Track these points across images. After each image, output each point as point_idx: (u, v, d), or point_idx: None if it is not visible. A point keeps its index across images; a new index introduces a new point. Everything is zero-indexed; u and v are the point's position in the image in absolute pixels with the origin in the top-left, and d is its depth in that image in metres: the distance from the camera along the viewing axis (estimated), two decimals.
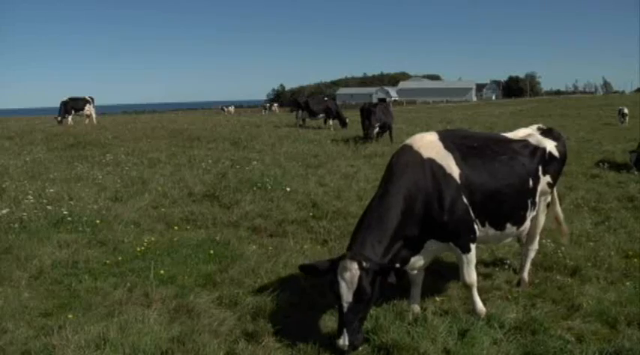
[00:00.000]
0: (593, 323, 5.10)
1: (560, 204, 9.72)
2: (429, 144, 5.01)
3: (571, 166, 14.34)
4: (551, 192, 6.05)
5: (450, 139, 5.12)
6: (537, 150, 5.66)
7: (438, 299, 5.64)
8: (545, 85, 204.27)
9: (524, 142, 5.68)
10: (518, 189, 5.36)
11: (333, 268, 4.39)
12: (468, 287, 5.24)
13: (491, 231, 5.32)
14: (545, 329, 4.93)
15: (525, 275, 6.13)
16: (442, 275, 6.29)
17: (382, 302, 5.53)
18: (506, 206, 5.30)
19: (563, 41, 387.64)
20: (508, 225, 5.41)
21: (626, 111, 31.43)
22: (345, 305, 4.29)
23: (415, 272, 5.23)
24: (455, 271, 6.53)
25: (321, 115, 29.02)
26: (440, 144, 5.01)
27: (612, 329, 5.01)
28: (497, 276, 6.34)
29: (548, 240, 7.28)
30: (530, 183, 5.49)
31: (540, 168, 5.64)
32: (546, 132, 6.05)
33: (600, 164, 14.29)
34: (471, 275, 5.12)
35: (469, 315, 5.21)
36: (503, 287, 6.02)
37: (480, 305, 5.22)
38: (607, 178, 12.56)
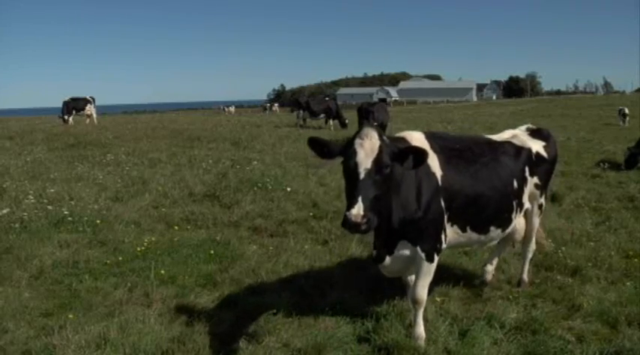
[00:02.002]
0: (594, 324, 5.09)
1: (561, 204, 9.79)
2: (418, 142, 4.78)
3: (571, 166, 14.37)
4: (544, 194, 5.96)
5: (434, 140, 4.97)
6: (522, 151, 5.56)
7: (438, 299, 5.63)
8: (546, 85, 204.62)
9: (506, 143, 5.57)
10: (502, 192, 5.23)
11: (349, 144, 4.11)
12: (415, 304, 4.78)
13: (474, 236, 5.18)
14: (546, 329, 4.93)
15: (525, 275, 6.12)
16: (442, 275, 6.28)
17: (382, 303, 5.55)
18: (490, 209, 5.16)
19: (563, 41, 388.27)
20: (492, 228, 5.28)
21: (626, 111, 31.41)
22: (363, 172, 3.91)
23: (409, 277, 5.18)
24: (455, 271, 6.56)
25: (322, 115, 29.11)
26: (427, 144, 4.83)
27: (613, 329, 5.00)
28: (498, 276, 6.33)
29: (549, 240, 7.28)
30: (515, 184, 5.37)
31: (527, 169, 5.55)
32: (535, 133, 5.97)
33: (601, 164, 14.28)
34: (424, 291, 4.73)
35: (469, 315, 5.21)
36: (503, 288, 6.02)
37: (421, 328, 4.78)
38: (607, 178, 12.56)
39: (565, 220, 8.56)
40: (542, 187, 5.79)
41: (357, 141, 4.04)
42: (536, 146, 5.74)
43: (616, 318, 5.11)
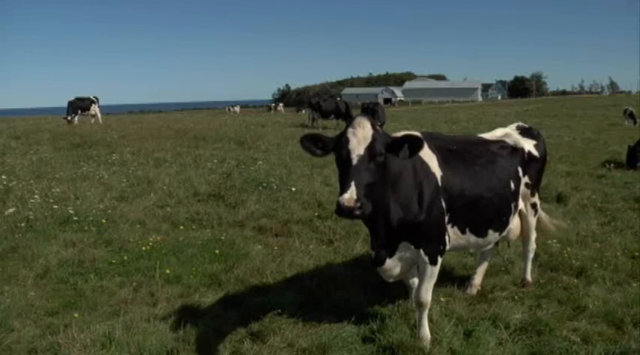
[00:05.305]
0: (599, 324, 5.07)
1: (566, 205, 9.76)
2: None
3: (577, 166, 14.34)
4: (536, 193, 5.89)
5: (431, 141, 4.86)
6: (516, 151, 5.52)
7: (443, 299, 5.63)
8: (552, 85, 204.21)
9: (501, 143, 5.51)
10: (500, 194, 5.17)
11: (342, 134, 4.05)
12: (420, 307, 4.76)
13: (473, 238, 5.11)
14: (551, 329, 4.91)
15: (528, 276, 6.12)
16: (446, 274, 6.28)
17: (387, 303, 5.55)
18: (489, 211, 5.10)
19: (569, 41, 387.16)
20: (490, 231, 5.22)
21: (633, 111, 31.25)
22: (355, 158, 3.85)
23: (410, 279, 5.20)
24: (459, 271, 6.55)
25: (332, 116, 29.39)
26: (425, 144, 4.66)
27: (618, 330, 4.98)
28: (502, 277, 6.32)
29: (554, 241, 7.26)
30: (512, 186, 5.33)
31: (520, 169, 5.51)
32: (525, 131, 5.91)
33: (606, 164, 14.27)
34: (428, 293, 4.72)
35: (474, 316, 5.20)
36: (508, 288, 6.00)
37: (426, 330, 4.78)
38: (613, 179, 12.50)
39: (570, 220, 8.52)
40: (533, 186, 5.75)
41: (350, 130, 4.00)
42: (528, 145, 5.71)
43: (622, 319, 5.09)
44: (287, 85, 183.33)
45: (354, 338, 4.84)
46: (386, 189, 4.26)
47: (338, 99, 33.67)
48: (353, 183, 3.75)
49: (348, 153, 3.90)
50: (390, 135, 4.19)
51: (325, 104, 29.97)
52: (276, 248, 7.38)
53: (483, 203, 5.02)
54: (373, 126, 4.03)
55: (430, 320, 4.90)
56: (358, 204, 3.69)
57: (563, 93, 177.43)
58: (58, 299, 5.84)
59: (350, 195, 3.69)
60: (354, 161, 3.86)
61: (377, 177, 3.94)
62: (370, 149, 3.90)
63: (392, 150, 4.06)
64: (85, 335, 4.70)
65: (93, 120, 30.59)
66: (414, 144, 4.06)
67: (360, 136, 3.94)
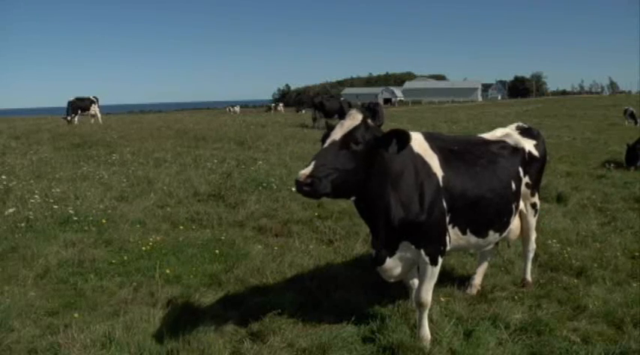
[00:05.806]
0: (599, 324, 5.08)
1: (566, 205, 9.77)
2: (417, 141, 4.71)
3: (577, 166, 14.36)
4: (536, 193, 5.87)
5: (432, 141, 4.87)
6: (517, 151, 5.50)
7: (443, 299, 5.63)
8: (552, 85, 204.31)
9: (502, 143, 5.49)
10: (501, 194, 5.14)
11: None
12: (420, 307, 4.77)
13: (473, 239, 5.10)
14: (551, 329, 4.91)
15: (528, 276, 6.12)
16: (446, 274, 6.28)
17: (387, 303, 5.55)
18: (490, 212, 5.08)
19: (569, 41, 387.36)
20: (491, 232, 5.21)
21: (634, 111, 31.21)
22: (328, 142, 3.99)
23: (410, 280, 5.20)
24: (459, 271, 6.55)
25: (336, 115, 29.46)
26: (426, 144, 4.77)
27: (618, 330, 4.99)
28: (502, 277, 6.32)
29: (554, 241, 7.26)
30: (513, 186, 5.31)
31: (521, 169, 5.49)
32: (525, 131, 5.90)
33: (606, 164, 14.28)
34: (428, 294, 4.73)
35: (474, 316, 5.20)
36: (508, 288, 6.00)
37: (426, 330, 4.78)
38: (613, 179, 12.51)
39: (570, 221, 8.53)
40: (533, 187, 5.74)
41: (341, 121, 4.14)
42: (528, 145, 5.69)
43: (622, 319, 5.10)
44: (287, 85, 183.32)
45: (354, 338, 4.83)
46: (386, 188, 4.30)
47: (342, 99, 33.83)
48: (314, 163, 3.85)
49: (325, 138, 4.06)
50: (381, 131, 4.22)
51: (329, 104, 30.01)
52: (276, 248, 7.37)
53: (484, 203, 5.00)
54: (364, 119, 4.11)
55: (430, 320, 4.90)
56: (309, 180, 3.74)
57: (563, 93, 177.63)
58: (58, 299, 5.83)
59: (304, 171, 3.78)
60: (326, 144, 4.01)
61: (350, 164, 3.96)
62: (346, 136, 3.99)
63: (381, 144, 4.10)
64: (85, 335, 4.70)
65: (93, 120, 30.59)
66: (402, 138, 4.06)
67: (345, 126, 4.06)
